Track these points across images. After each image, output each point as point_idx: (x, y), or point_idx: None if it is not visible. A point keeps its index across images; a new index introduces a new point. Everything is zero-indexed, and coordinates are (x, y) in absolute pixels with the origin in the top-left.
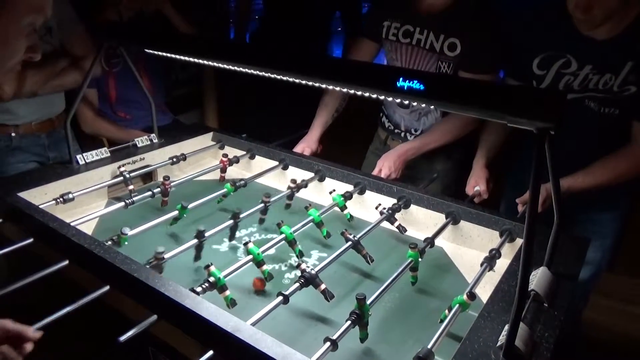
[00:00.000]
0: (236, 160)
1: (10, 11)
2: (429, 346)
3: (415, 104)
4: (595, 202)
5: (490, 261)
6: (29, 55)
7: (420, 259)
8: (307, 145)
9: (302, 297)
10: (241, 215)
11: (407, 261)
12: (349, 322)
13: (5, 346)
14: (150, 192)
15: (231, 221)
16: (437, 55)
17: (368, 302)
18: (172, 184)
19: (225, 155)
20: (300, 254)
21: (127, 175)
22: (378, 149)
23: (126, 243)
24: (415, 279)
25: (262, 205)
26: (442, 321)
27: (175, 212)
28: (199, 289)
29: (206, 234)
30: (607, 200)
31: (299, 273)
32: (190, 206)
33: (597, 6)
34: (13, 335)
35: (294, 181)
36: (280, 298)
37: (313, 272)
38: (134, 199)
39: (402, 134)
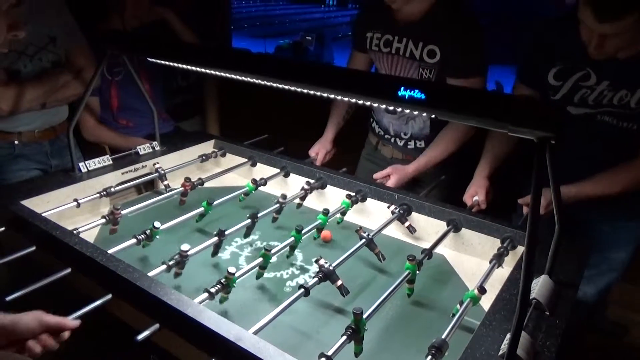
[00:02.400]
0: (237, 167)
1: None
2: (443, 337)
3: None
4: (622, 210)
5: (498, 258)
6: (13, 34)
7: (417, 271)
8: (322, 146)
9: (303, 305)
10: (259, 215)
11: (404, 273)
12: (344, 337)
13: (44, 335)
14: (151, 201)
15: (249, 220)
16: (418, 63)
17: (365, 315)
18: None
19: (187, 180)
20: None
21: (162, 172)
22: (370, 155)
23: (158, 237)
24: (412, 291)
25: (277, 205)
26: (454, 315)
27: (201, 209)
28: (213, 290)
29: (226, 233)
30: (633, 209)
31: (301, 281)
32: (214, 203)
33: (607, 44)
34: (51, 326)
35: (308, 183)
36: (282, 306)
37: (331, 267)
38: (129, 209)
39: (392, 139)
